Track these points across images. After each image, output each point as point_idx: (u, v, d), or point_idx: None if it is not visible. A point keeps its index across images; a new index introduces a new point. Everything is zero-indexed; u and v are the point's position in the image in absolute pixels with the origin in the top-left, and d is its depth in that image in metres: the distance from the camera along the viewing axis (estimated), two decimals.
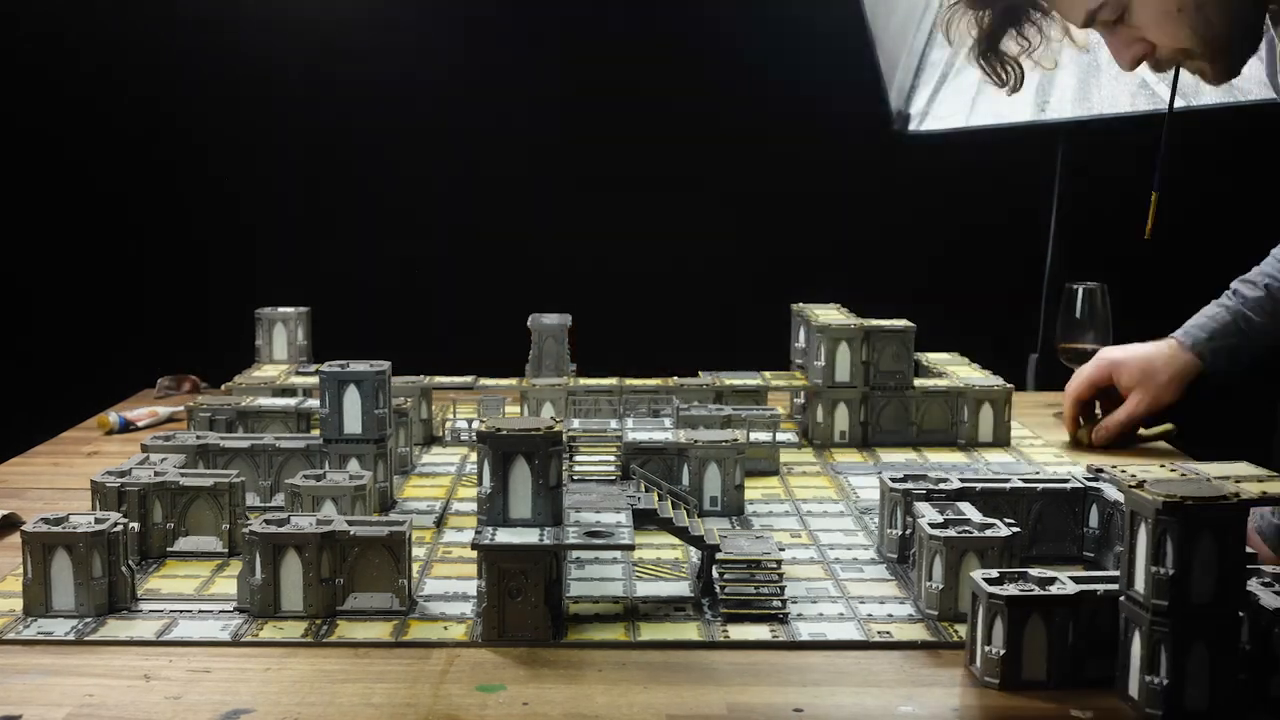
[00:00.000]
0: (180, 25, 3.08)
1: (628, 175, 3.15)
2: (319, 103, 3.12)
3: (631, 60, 3.11)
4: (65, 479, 1.84)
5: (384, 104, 3.13)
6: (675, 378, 2.08)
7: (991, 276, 3.11)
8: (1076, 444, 2.00)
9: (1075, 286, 2.28)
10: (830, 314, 2.13)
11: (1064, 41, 1.66)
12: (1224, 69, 1.60)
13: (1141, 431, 2.00)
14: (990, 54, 1.64)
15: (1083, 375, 1.99)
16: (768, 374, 2.11)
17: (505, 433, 1.26)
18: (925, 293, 2.95)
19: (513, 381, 2.10)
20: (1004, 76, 1.67)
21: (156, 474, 1.50)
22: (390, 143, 3.17)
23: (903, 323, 2.06)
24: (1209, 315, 1.94)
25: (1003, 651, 1.12)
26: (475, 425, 1.99)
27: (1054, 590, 1.14)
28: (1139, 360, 1.94)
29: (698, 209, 3.18)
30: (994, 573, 1.17)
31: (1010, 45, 1.65)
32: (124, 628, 1.25)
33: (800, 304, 2.21)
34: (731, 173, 3.16)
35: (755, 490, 1.74)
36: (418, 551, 1.45)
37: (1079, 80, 2.50)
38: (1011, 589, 1.14)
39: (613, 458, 1.66)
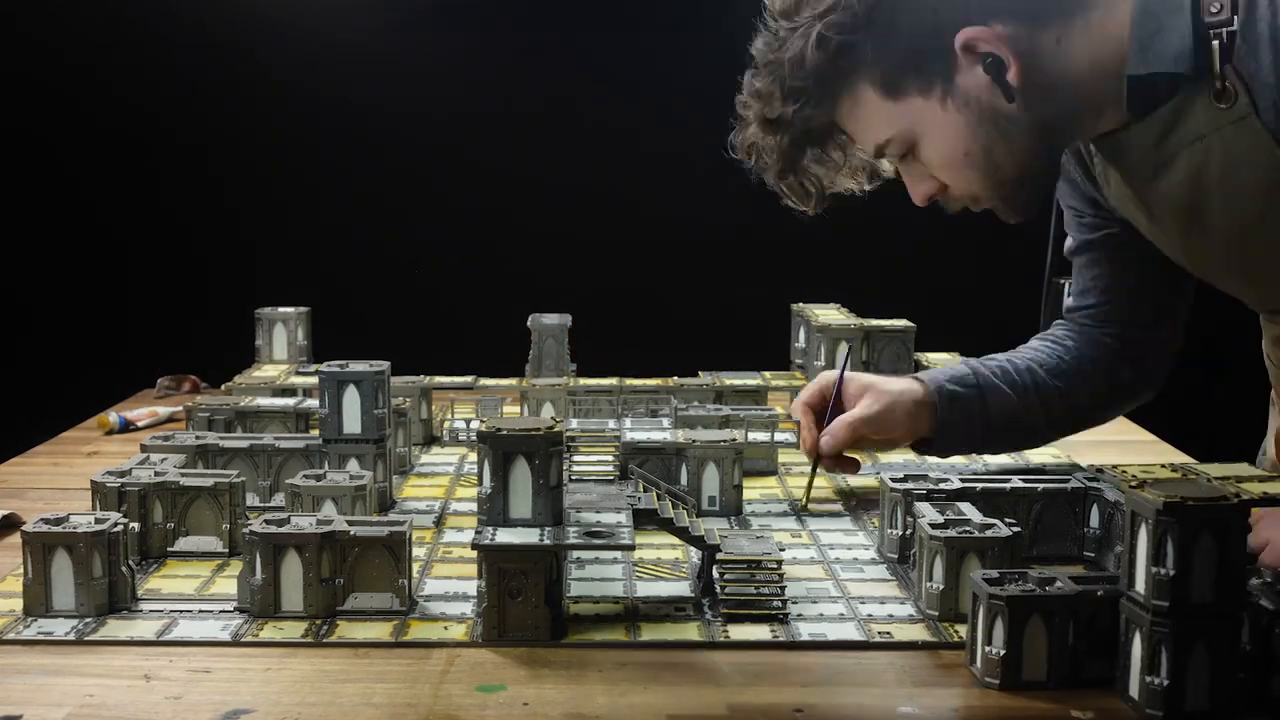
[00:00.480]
0: (182, 26, 3.08)
1: (626, 175, 3.15)
2: (319, 104, 3.12)
3: (631, 60, 3.10)
4: (65, 479, 1.84)
5: (383, 105, 3.13)
6: (675, 378, 2.09)
7: (992, 276, 3.11)
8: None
9: (1061, 281, 2.29)
10: (830, 314, 2.14)
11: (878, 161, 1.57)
12: (1016, 209, 1.53)
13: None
14: (788, 173, 1.56)
15: (809, 388, 1.72)
16: (767, 374, 2.12)
17: (506, 433, 1.25)
18: (925, 292, 2.95)
19: (512, 381, 2.10)
20: (803, 196, 1.59)
21: (157, 474, 1.50)
22: (389, 143, 3.16)
23: (903, 323, 2.06)
24: (946, 366, 1.76)
25: (1003, 652, 1.12)
26: (473, 425, 1.99)
27: (1054, 590, 1.14)
28: (867, 377, 1.71)
29: (697, 208, 3.18)
30: (994, 573, 1.17)
31: (814, 166, 1.57)
32: (124, 628, 1.25)
33: (800, 304, 2.21)
34: (730, 172, 3.16)
35: (753, 490, 1.74)
36: (418, 551, 1.45)
37: None
38: (1012, 589, 1.14)
39: (611, 458, 1.66)
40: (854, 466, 1.68)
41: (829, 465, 1.66)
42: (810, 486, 1.66)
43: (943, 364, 2.17)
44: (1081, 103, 1.43)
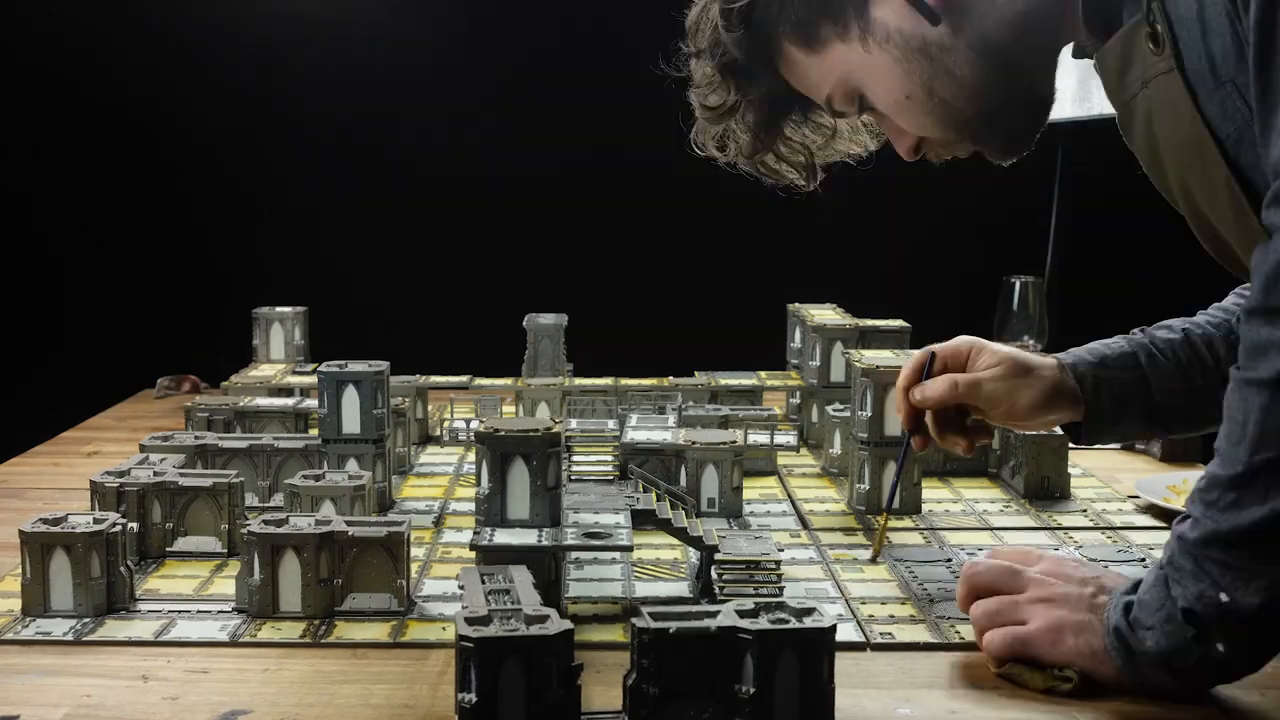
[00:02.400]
0: (181, 24, 3.08)
1: (624, 174, 3.14)
2: (320, 103, 3.12)
3: (630, 60, 3.10)
4: (65, 479, 1.84)
5: (383, 104, 3.13)
6: (671, 378, 2.08)
7: (991, 276, 3.11)
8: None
9: (1012, 280, 2.29)
10: (826, 314, 2.13)
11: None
12: (998, 149, 1.37)
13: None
14: (765, 151, 1.44)
15: (925, 350, 1.50)
16: (763, 374, 2.11)
17: (504, 433, 1.25)
18: (923, 292, 2.95)
19: (508, 381, 2.09)
20: (795, 170, 1.47)
21: (155, 474, 1.50)
22: (388, 144, 3.16)
23: (898, 323, 2.06)
24: (1104, 343, 1.47)
25: None
26: (474, 425, 1.99)
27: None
28: (1005, 349, 1.45)
29: (694, 208, 3.17)
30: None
31: (803, 135, 1.45)
32: (122, 628, 1.25)
33: (796, 304, 2.21)
34: (730, 172, 3.16)
35: (753, 490, 1.74)
36: (416, 552, 1.45)
37: (1079, 80, 2.49)
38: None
39: (610, 458, 1.66)
40: (965, 442, 1.46)
41: (926, 440, 1.48)
42: (883, 531, 1.49)
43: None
44: (1029, 16, 1.26)
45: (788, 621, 0.98)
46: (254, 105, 3.12)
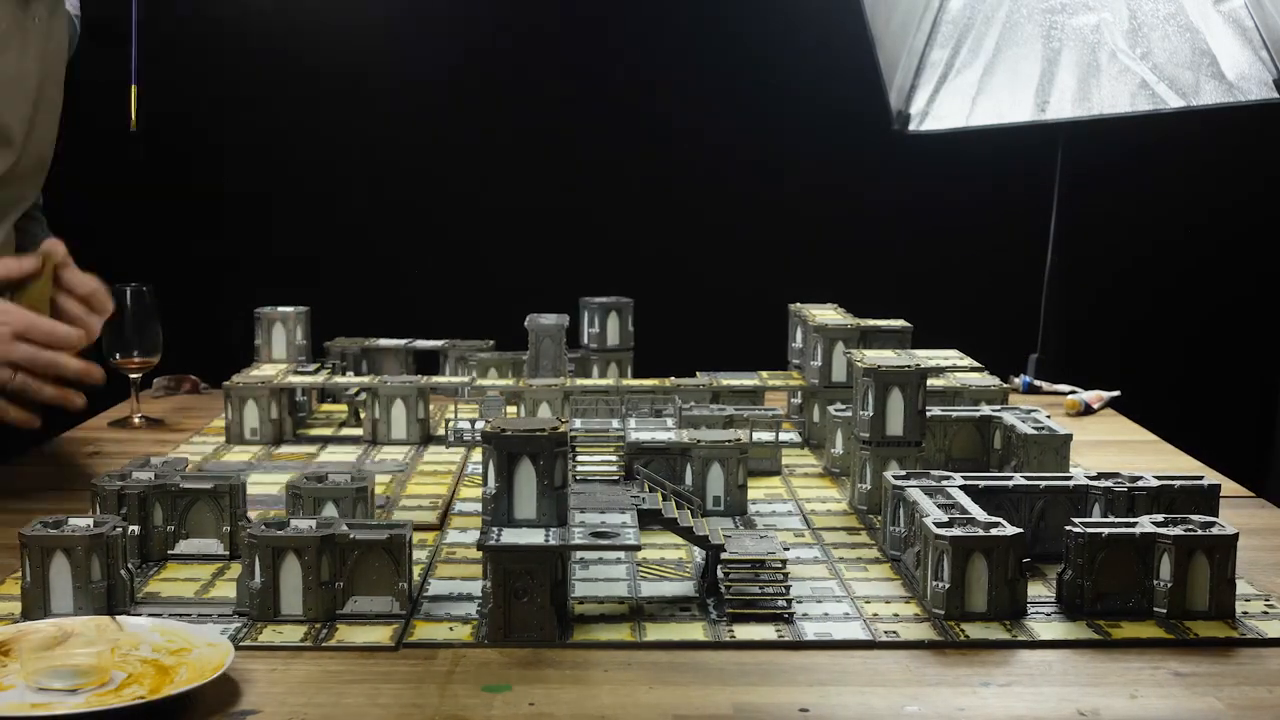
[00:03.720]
0: (185, 23, 3.08)
1: (625, 175, 3.15)
2: (320, 101, 3.12)
3: (632, 62, 3.10)
4: (65, 479, 1.83)
5: (385, 103, 3.13)
6: (673, 378, 2.08)
7: (991, 276, 3.11)
8: None
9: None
10: (827, 314, 2.13)
11: None
12: None
13: None
14: None
15: None
16: (765, 374, 2.11)
17: (510, 433, 1.25)
18: (924, 292, 2.95)
19: (510, 382, 2.09)
20: None
21: (157, 476, 1.49)
22: (388, 143, 3.16)
23: (900, 322, 2.06)
24: None
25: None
26: (478, 425, 1.98)
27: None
28: None
29: (696, 208, 3.18)
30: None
31: None
32: None
33: (797, 304, 2.21)
34: (731, 172, 3.16)
35: (757, 490, 1.74)
36: (421, 553, 1.45)
37: (1079, 80, 2.49)
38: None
39: (615, 458, 1.66)
40: None
41: None
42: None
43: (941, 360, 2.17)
44: None
45: (1196, 530, 1.27)
46: (259, 106, 3.12)
